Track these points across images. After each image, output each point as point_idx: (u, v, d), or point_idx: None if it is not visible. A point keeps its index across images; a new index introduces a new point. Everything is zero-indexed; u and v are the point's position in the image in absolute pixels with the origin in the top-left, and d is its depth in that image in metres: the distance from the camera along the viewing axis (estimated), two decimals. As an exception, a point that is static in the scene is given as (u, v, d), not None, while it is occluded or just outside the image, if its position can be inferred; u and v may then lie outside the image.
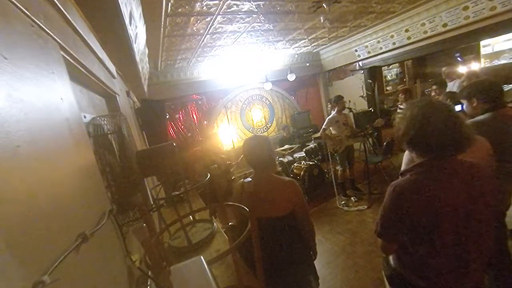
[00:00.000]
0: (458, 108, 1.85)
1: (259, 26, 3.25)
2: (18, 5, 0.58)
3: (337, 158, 4.16)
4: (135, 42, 1.68)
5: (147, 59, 2.95)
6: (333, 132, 4.11)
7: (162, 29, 2.68)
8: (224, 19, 2.79)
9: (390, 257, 1.24)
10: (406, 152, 1.58)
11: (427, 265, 1.05)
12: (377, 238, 1.14)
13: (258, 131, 6.46)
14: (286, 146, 5.29)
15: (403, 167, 1.40)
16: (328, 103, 4.99)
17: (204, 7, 2.41)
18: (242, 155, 4.85)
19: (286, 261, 1.49)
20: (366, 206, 3.75)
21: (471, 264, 1.01)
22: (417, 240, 1.05)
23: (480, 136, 1.41)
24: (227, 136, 5.98)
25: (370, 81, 5.47)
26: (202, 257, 1.00)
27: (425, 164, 1.02)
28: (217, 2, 2.36)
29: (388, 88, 7.22)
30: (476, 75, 3.34)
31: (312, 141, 5.57)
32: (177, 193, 1.85)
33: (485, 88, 1.68)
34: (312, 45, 5.19)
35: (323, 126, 4.13)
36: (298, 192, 1.51)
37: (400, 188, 1.03)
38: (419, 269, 1.08)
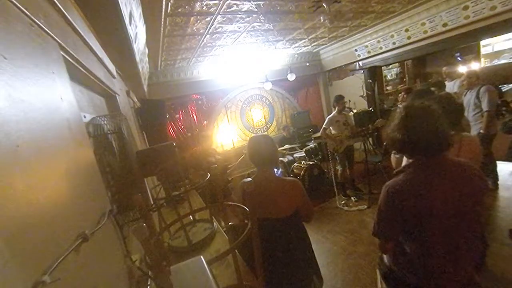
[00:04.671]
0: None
1: (259, 26, 3.25)
2: (18, 5, 0.58)
3: (337, 158, 4.16)
4: (135, 42, 1.68)
5: (147, 59, 2.95)
6: (333, 131, 4.11)
7: (162, 29, 2.68)
8: (224, 19, 2.79)
9: (385, 256, 1.26)
10: None
11: (419, 262, 1.07)
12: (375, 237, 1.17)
13: (258, 131, 6.46)
14: (286, 146, 5.29)
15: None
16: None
17: (204, 7, 2.41)
18: (242, 156, 4.77)
19: (289, 261, 1.48)
20: (366, 206, 3.76)
21: (461, 260, 1.03)
22: (410, 238, 1.08)
23: (472, 135, 1.46)
24: (227, 136, 5.98)
25: (370, 81, 5.47)
26: (202, 257, 1.00)
27: (414, 164, 1.07)
28: (217, 2, 2.36)
29: (388, 88, 7.21)
30: (476, 74, 3.33)
31: (312, 141, 5.57)
32: (177, 193, 1.84)
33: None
34: (312, 44, 5.18)
35: (324, 126, 4.14)
36: (302, 192, 1.50)
37: (391, 188, 1.07)
38: (411, 266, 1.10)
